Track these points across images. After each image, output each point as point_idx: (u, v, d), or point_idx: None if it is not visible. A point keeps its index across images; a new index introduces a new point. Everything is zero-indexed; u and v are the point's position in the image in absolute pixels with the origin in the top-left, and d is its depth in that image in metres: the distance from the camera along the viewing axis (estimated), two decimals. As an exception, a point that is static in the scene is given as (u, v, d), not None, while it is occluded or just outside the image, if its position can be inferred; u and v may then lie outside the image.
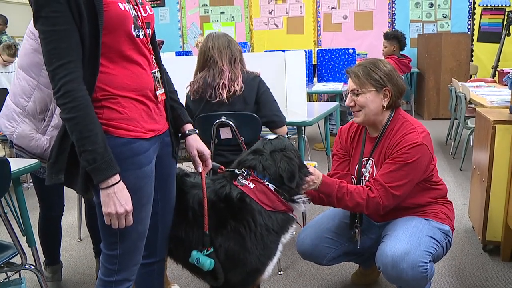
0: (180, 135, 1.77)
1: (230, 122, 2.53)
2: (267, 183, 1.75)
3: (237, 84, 2.51)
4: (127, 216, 1.39)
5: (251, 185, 1.75)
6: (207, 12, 8.80)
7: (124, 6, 1.42)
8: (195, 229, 1.75)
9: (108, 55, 1.42)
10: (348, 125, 2.26)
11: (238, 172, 1.79)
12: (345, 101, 2.20)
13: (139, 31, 1.48)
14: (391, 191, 1.91)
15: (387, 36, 5.46)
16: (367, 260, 2.33)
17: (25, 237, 2.15)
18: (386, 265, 1.87)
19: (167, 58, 4.10)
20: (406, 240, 1.89)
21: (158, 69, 1.59)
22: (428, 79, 6.82)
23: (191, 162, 1.79)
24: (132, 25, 1.44)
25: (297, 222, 1.86)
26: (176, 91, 1.79)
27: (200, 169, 1.75)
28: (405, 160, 1.91)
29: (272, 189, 1.75)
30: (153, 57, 1.59)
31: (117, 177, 1.36)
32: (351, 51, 5.44)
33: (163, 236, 1.77)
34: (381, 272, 1.96)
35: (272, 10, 8.37)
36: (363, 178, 2.09)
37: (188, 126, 1.76)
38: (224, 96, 2.51)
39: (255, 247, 1.70)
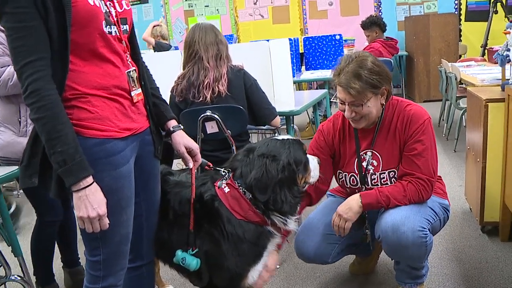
0: (164, 133, 1.70)
1: (216, 116, 2.45)
2: (242, 190, 1.64)
3: (221, 85, 2.42)
4: (101, 220, 1.33)
5: (226, 189, 1.66)
6: (191, 6, 8.68)
7: (94, 1, 1.35)
8: (176, 229, 1.68)
9: (78, 52, 1.35)
10: (329, 123, 2.12)
11: (222, 173, 1.72)
12: (332, 97, 2.09)
13: (111, 28, 1.41)
14: (433, 179, 1.91)
15: (365, 26, 5.42)
16: (364, 248, 2.27)
17: (10, 247, 2.08)
18: (386, 231, 1.84)
19: (153, 55, 4.03)
20: (405, 208, 1.87)
21: (134, 68, 1.51)
22: (418, 61, 6.75)
23: (181, 159, 1.73)
24: (104, 21, 1.37)
25: (284, 236, 1.73)
26: (158, 87, 1.72)
27: (191, 164, 1.69)
28: (427, 141, 1.90)
29: (248, 197, 1.63)
30: (129, 55, 1.51)
31: (89, 180, 1.30)
32: (337, 37, 5.37)
33: (149, 238, 1.70)
34: (380, 242, 1.92)
35: (257, 0, 8.26)
36: (368, 173, 2.00)
37: (172, 123, 1.70)
38: (208, 98, 2.44)
39: (230, 253, 1.62)
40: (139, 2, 8.82)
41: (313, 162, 1.81)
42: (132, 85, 1.48)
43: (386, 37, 5.43)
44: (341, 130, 2.08)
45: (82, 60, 1.36)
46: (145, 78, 1.60)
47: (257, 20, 8.34)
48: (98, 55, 1.38)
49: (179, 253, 1.63)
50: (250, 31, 8.36)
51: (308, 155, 1.79)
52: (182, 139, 1.69)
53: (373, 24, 5.28)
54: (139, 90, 1.53)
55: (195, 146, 1.71)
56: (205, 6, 8.62)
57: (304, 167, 1.73)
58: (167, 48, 5.62)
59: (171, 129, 1.69)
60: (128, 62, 1.50)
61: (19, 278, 1.96)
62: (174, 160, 3.27)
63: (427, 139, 1.90)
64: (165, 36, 5.88)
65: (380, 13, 7.51)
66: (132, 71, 1.50)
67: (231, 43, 7.76)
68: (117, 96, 1.43)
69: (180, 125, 1.72)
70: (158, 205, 1.71)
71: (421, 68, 6.76)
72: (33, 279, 2.37)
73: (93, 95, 1.37)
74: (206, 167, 1.80)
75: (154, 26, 5.92)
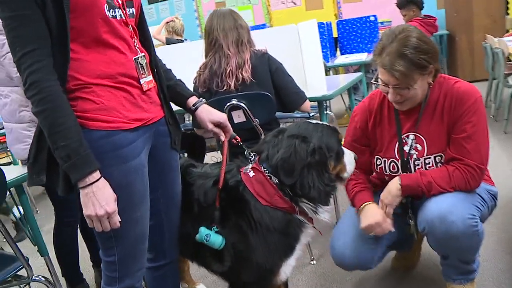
0: (189, 113, 1.64)
1: (242, 104, 2.32)
2: (268, 174, 1.52)
3: (245, 71, 2.29)
4: (111, 218, 1.23)
5: (251, 173, 1.55)
6: (223, -3, 8.59)
7: None
8: (202, 223, 1.56)
9: (80, 40, 1.25)
10: (364, 104, 1.92)
11: (248, 155, 1.62)
12: (372, 79, 1.86)
13: (115, 11, 1.31)
14: (483, 167, 1.70)
15: (401, 5, 5.12)
16: (405, 243, 2.08)
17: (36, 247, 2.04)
18: (432, 221, 1.64)
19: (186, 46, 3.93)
20: (451, 195, 1.67)
21: (143, 54, 1.40)
22: (460, 40, 6.37)
23: (214, 152, 1.64)
24: (106, 5, 1.27)
25: (314, 227, 1.60)
26: (170, 69, 1.64)
27: (222, 138, 1.63)
28: (478, 122, 1.69)
29: (274, 182, 1.51)
30: (137, 40, 1.40)
31: (95, 175, 1.20)
32: (372, 18, 5.11)
33: (171, 236, 1.60)
34: (425, 235, 1.73)
35: (289, -13, 8.07)
36: (410, 158, 1.80)
37: (193, 100, 1.62)
38: (232, 86, 2.32)
39: (259, 245, 1.50)
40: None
41: (349, 156, 1.65)
42: (142, 72, 1.38)
43: (424, 15, 5.12)
44: (378, 110, 1.88)
45: (85, 48, 1.26)
46: (157, 65, 1.50)
47: (290, 7, 8.17)
48: (102, 42, 1.28)
49: (202, 229, 1.52)
50: (283, 20, 8.19)
51: (344, 148, 1.65)
52: (206, 114, 1.60)
53: (410, 2, 4.98)
54: (150, 78, 1.42)
55: (223, 118, 1.62)
56: (237, -4, 8.51)
57: (336, 156, 1.58)
58: (177, 44, 5.44)
59: (193, 107, 1.61)
60: (136, 47, 1.39)
61: (43, 279, 1.90)
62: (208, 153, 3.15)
63: (478, 120, 1.69)
64: (178, 31, 5.61)
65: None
66: (141, 57, 1.38)
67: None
68: (124, 84, 1.32)
69: (201, 99, 1.63)
70: (180, 200, 1.61)
71: (464, 47, 6.38)
72: (63, 280, 2.33)
73: (98, 85, 1.27)
74: (234, 140, 1.70)
75: (167, 23, 5.76)
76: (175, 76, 1.63)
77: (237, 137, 1.71)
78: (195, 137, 3.19)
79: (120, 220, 1.26)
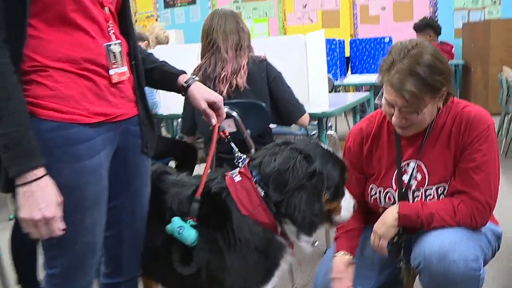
0: (181, 93, 1.50)
1: (234, 113, 2.15)
2: (256, 184, 1.36)
3: (240, 77, 2.15)
4: (50, 224, 1.05)
5: (237, 178, 1.39)
6: (239, 8, 8.52)
7: None
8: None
9: (43, 16, 1.10)
10: (361, 125, 1.75)
11: (236, 155, 1.55)
12: (376, 98, 1.68)
13: None
14: (492, 203, 1.52)
15: (418, 28, 5.00)
16: (395, 284, 1.88)
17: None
18: (430, 258, 1.44)
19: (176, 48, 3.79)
20: (454, 230, 1.48)
21: (118, 42, 1.23)
22: (475, 71, 6.21)
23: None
24: None
25: (293, 251, 1.44)
26: (152, 53, 1.51)
27: (214, 121, 1.49)
28: (489, 152, 1.51)
29: (261, 193, 1.35)
30: (113, 25, 1.24)
31: (38, 172, 1.03)
32: (387, 39, 4.97)
33: (132, 249, 1.43)
34: (418, 274, 1.53)
35: (306, 4, 8.03)
36: (409, 188, 1.62)
37: (184, 77, 1.48)
38: (224, 92, 2.16)
39: (236, 265, 1.34)
40: (186, 3, 8.75)
41: (348, 202, 1.47)
42: (113, 61, 1.21)
43: (440, 42, 4.97)
44: (376, 134, 1.70)
45: (48, 25, 1.11)
46: (137, 57, 1.34)
47: (306, 24, 8.11)
48: (68, 21, 1.12)
49: (176, 220, 1.33)
50: (298, 36, 8.09)
51: (346, 192, 1.48)
52: (200, 93, 1.47)
53: (427, 26, 4.86)
54: (125, 69, 1.25)
55: (218, 98, 1.49)
56: (253, 8, 8.45)
57: (335, 191, 1.40)
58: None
59: (185, 84, 1.47)
60: (111, 33, 1.22)
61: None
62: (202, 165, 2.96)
63: (489, 149, 1.51)
64: (162, 42, 5.19)
65: (436, 19, 7.02)
66: (115, 44, 1.22)
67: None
68: (89, 72, 1.16)
69: (194, 76, 1.49)
70: (146, 211, 1.43)
71: (478, 78, 6.22)
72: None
73: (56, 69, 1.11)
74: (222, 133, 1.58)
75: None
76: (159, 59, 1.49)
77: (226, 131, 1.60)
78: (186, 145, 3.03)
79: (64, 227, 1.09)
